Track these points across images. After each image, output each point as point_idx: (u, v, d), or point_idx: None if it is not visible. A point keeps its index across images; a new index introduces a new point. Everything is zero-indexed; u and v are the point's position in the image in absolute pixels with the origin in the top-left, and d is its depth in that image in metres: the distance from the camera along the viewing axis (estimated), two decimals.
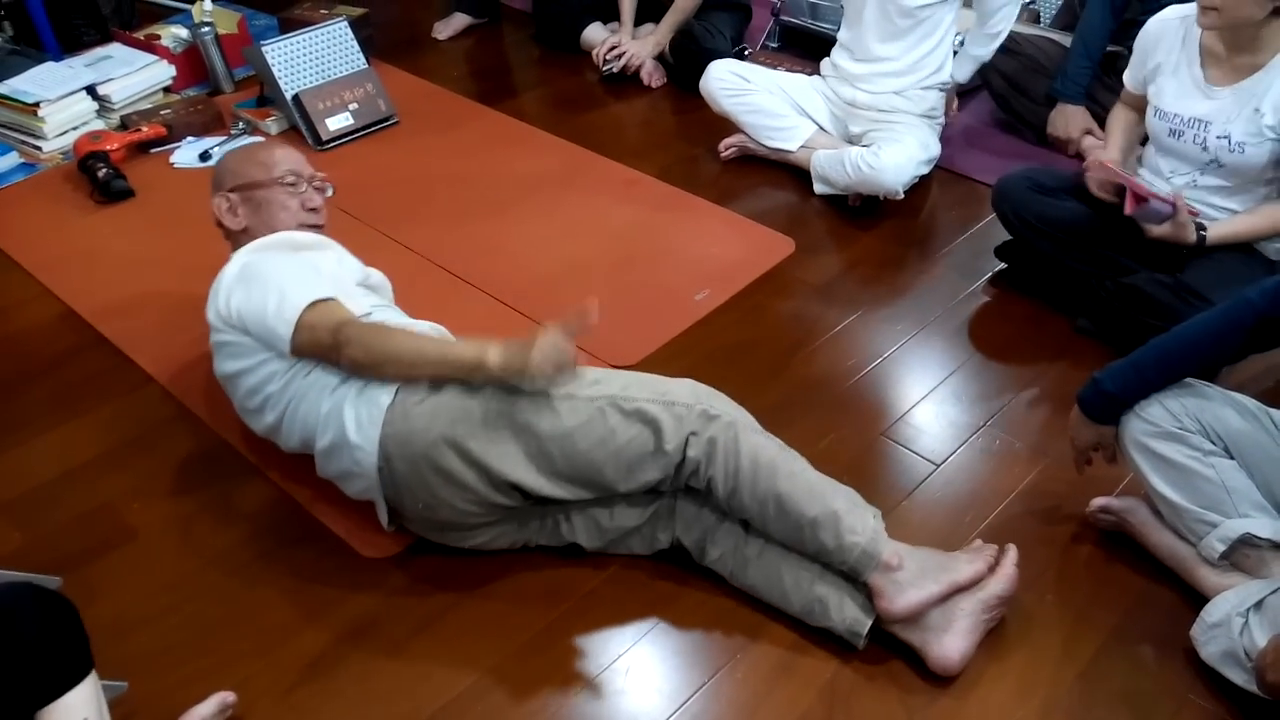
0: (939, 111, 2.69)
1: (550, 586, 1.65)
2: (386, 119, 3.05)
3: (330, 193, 1.93)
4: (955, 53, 2.68)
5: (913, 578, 1.48)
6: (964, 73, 2.67)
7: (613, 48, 3.31)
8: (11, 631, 1.15)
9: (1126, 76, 2.19)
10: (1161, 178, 2.11)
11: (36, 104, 2.82)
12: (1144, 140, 2.21)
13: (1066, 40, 2.92)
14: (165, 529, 1.76)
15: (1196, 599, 1.55)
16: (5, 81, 2.88)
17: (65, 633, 1.20)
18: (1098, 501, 1.71)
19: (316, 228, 1.87)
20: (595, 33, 3.47)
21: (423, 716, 1.47)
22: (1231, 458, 1.54)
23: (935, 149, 2.66)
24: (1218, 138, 1.98)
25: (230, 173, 1.86)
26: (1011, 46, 2.86)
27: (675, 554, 1.66)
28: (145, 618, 1.61)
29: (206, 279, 1.73)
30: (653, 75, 3.33)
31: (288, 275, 1.65)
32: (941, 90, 2.68)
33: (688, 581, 1.64)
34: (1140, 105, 2.17)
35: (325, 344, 1.56)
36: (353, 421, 1.56)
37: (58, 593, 1.24)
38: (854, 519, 1.50)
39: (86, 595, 1.61)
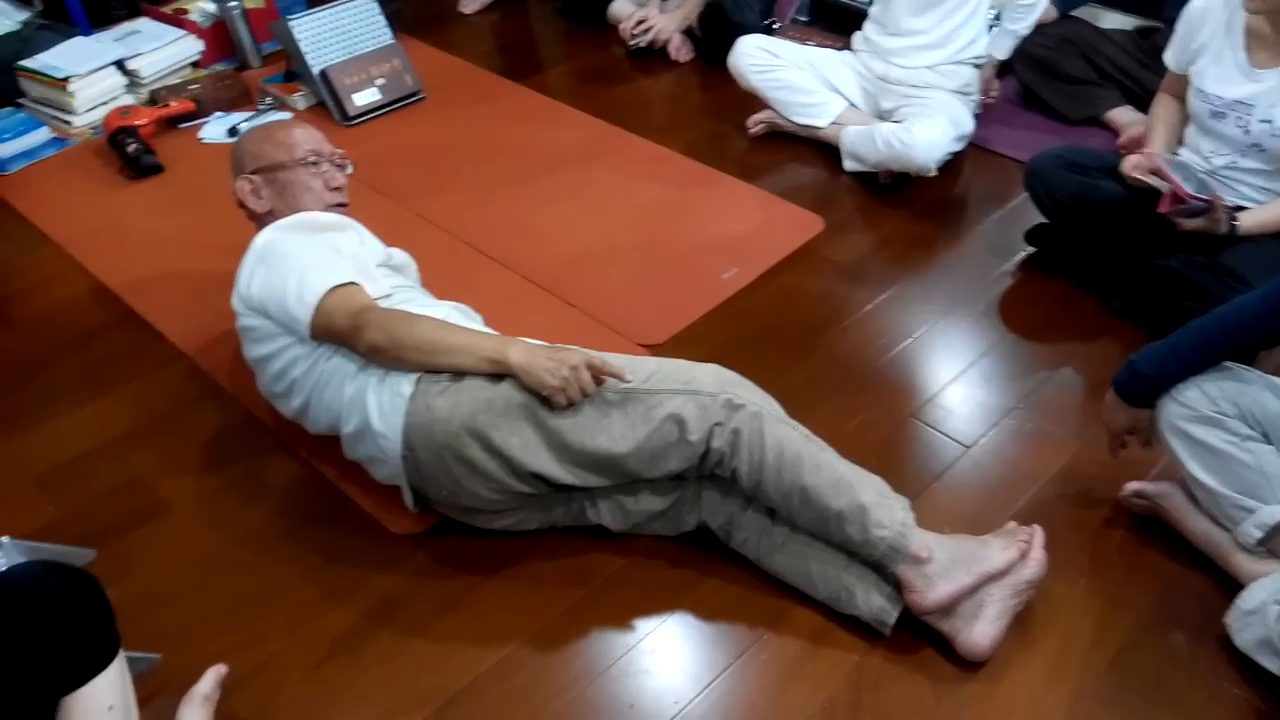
0: (973, 88, 2.65)
1: (575, 567, 1.65)
2: (413, 94, 3.04)
3: (350, 170, 1.92)
4: (991, 28, 2.63)
5: (943, 569, 1.46)
6: (1003, 49, 2.62)
7: (640, 22, 3.28)
8: (40, 616, 1.14)
9: (1168, 57, 2.13)
10: (1201, 157, 2.06)
11: (66, 79, 2.83)
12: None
13: (1093, 17, 2.87)
14: (196, 503, 1.78)
15: (1231, 585, 1.53)
16: (35, 56, 2.89)
17: (93, 617, 1.19)
18: (1132, 486, 1.69)
19: (342, 206, 1.87)
20: (622, 6, 3.44)
21: (449, 693, 1.48)
22: (1270, 443, 1.51)
23: (969, 125, 2.62)
24: (1260, 121, 1.93)
25: (250, 154, 1.85)
26: (1039, 28, 2.82)
27: (701, 535, 1.65)
28: (177, 591, 1.63)
29: (235, 254, 1.73)
30: (680, 50, 3.29)
31: (308, 258, 1.64)
32: (975, 65, 2.63)
33: (713, 563, 1.64)
34: (1182, 88, 2.12)
35: (344, 329, 1.55)
36: (376, 409, 1.56)
37: (87, 573, 1.24)
38: (881, 512, 1.48)
39: (120, 568, 1.64)
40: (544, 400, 1.50)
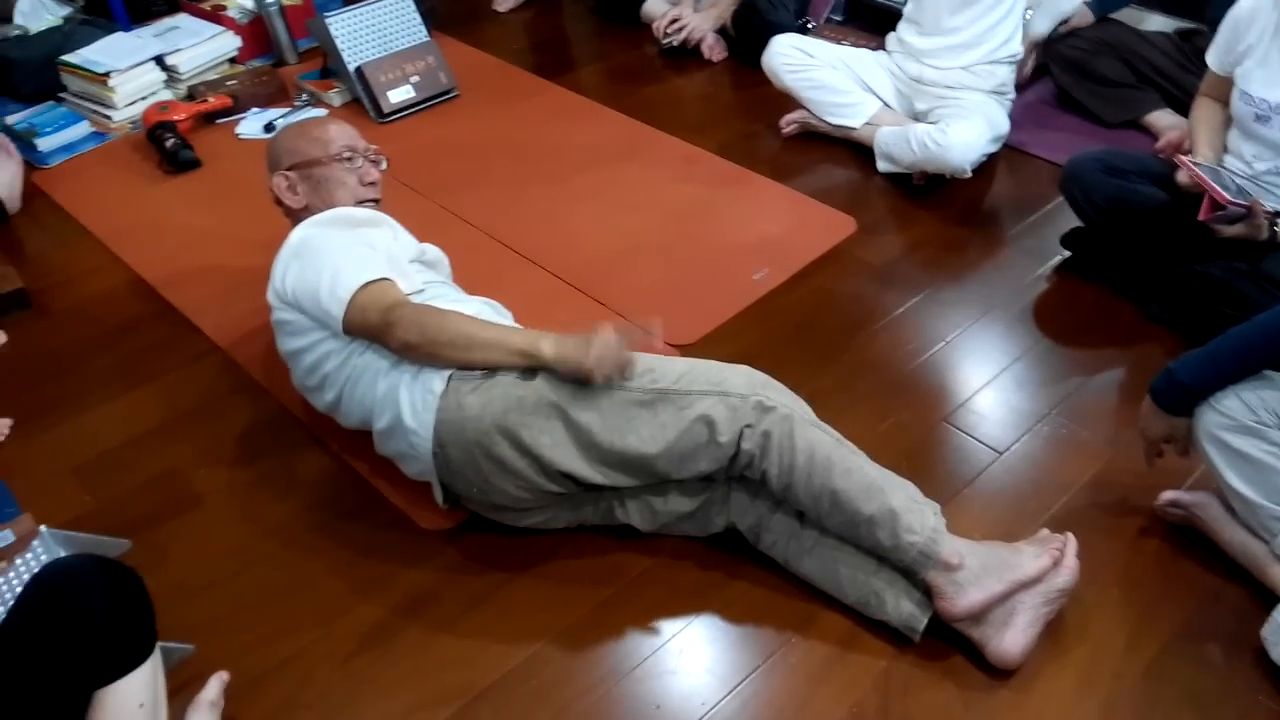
0: (1009, 88, 2.62)
1: (603, 566, 1.65)
2: (447, 92, 3.05)
3: (384, 166, 1.94)
4: (1025, 22, 2.61)
5: (974, 576, 1.45)
6: (1044, 25, 2.58)
7: (673, 20, 3.28)
8: (80, 608, 1.15)
9: (1211, 58, 2.10)
10: (1243, 162, 2.03)
11: (107, 74, 2.86)
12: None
13: (1135, 19, 2.83)
14: (229, 496, 1.80)
15: (1268, 598, 1.51)
16: (77, 51, 2.94)
17: (133, 614, 1.21)
18: (1167, 495, 1.67)
19: (375, 202, 1.88)
20: (656, 5, 3.44)
21: (477, 689, 1.48)
22: None
23: (1004, 127, 2.60)
24: None
25: (286, 151, 1.87)
26: (1074, 30, 2.79)
27: (729, 537, 1.65)
28: (210, 582, 1.64)
29: (270, 249, 1.75)
30: (714, 49, 3.29)
31: (342, 254, 1.65)
32: (1011, 64, 2.61)
33: (741, 565, 1.63)
34: (1224, 91, 2.08)
35: (377, 324, 1.56)
36: (408, 406, 1.57)
37: (132, 570, 1.25)
38: (911, 517, 1.47)
39: (155, 558, 1.66)
40: (579, 387, 1.50)
